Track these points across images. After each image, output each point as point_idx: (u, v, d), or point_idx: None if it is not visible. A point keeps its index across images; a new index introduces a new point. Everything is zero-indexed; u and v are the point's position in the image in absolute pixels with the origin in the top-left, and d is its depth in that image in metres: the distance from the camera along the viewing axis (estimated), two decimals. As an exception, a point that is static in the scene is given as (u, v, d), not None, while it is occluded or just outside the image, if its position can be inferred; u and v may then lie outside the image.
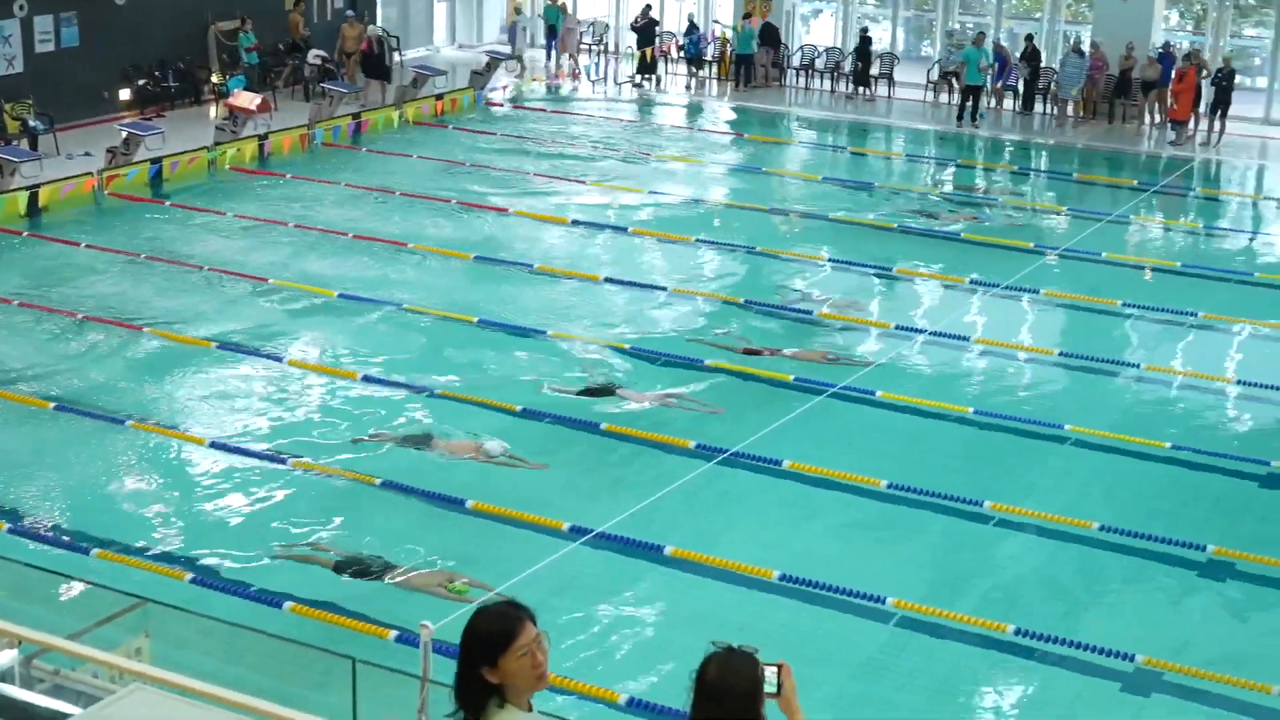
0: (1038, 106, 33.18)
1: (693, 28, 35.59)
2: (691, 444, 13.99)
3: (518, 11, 37.46)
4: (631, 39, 35.75)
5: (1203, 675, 10.29)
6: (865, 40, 34.06)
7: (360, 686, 8.32)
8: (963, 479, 13.44)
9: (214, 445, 13.88)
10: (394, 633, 10.47)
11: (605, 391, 15.39)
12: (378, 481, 13.07)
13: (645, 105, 33.13)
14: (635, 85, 34.76)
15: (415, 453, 13.81)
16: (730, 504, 13.12)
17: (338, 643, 9.57)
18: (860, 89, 33.97)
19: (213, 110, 28.41)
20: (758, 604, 11.31)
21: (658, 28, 35.38)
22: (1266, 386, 16.05)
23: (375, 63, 31.86)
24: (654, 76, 35.02)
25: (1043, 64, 32.89)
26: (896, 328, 17.66)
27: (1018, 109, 32.94)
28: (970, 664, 10.67)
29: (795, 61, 35.49)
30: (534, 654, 5.20)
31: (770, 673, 5.31)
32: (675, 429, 14.41)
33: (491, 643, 5.14)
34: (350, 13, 32.93)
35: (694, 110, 33.11)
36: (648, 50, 34.83)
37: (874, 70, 34.03)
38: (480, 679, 5.14)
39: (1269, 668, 10.47)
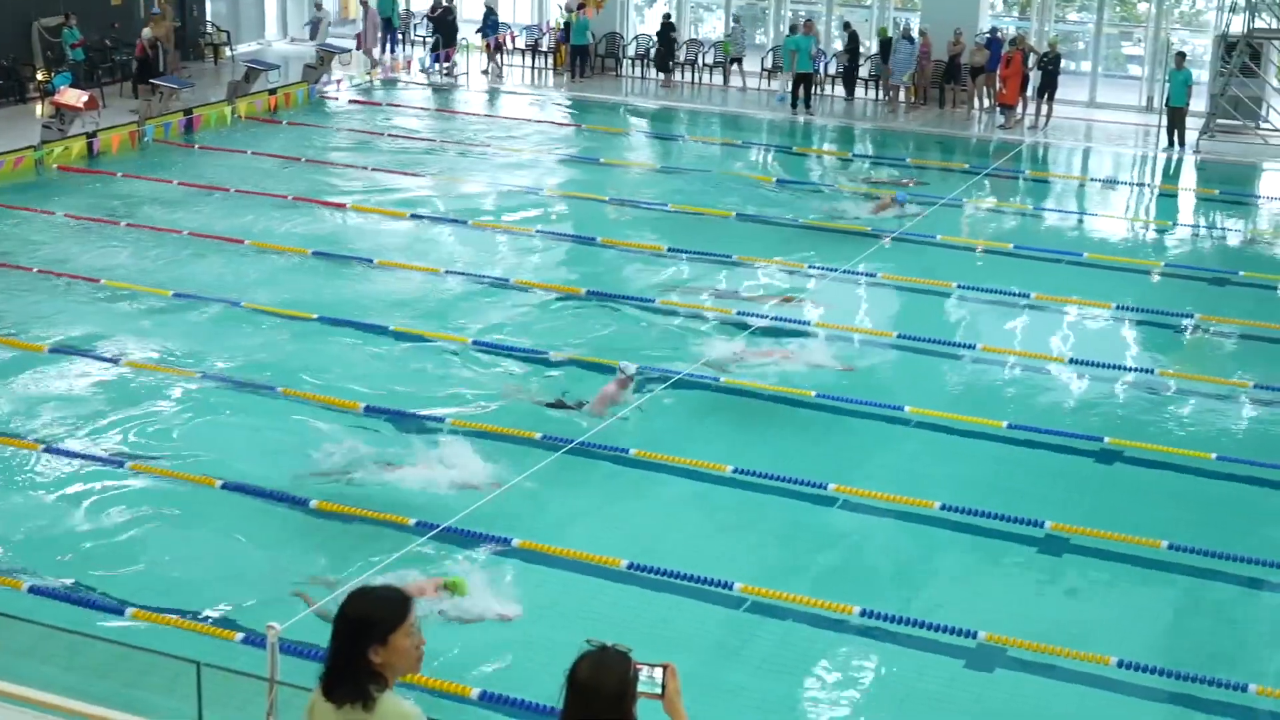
0: (870, 93, 33.66)
1: (490, 13, 35.64)
2: (538, 435, 13.94)
3: (318, 7, 36.92)
4: (468, 32, 35.65)
5: (1044, 649, 10.48)
6: (667, 27, 34.38)
7: (206, 690, 8.18)
8: (807, 462, 13.56)
9: (49, 450, 13.53)
10: (240, 635, 10.31)
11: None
12: (218, 483, 12.85)
13: (485, 96, 33.03)
14: (484, 74, 34.69)
15: (264, 454, 13.59)
16: (578, 494, 13.08)
17: (182, 647, 9.37)
18: (665, 75, 34.29)
19: (39, 108, 27.70)
20: (608, 593, 11.31)
21: (496, 19, 35.32)
22: (1097, 365, 16.41)
23: (148, 68, 29.82)
24: (495, 67, 34.96)
25: (862, 51, 33.32)
26: (738, 313, 17.78)
27: (846, 96, 33.40)
28: (818, 645, 10.74)
29: (630, 51, 35.62)
30: (418, 633, 5.21)
31: (656, 673, 5.26)
32: (524, 422, 14.36)
33: (386, 621, 5.14)
34: (156, 10, 31.87)
35: (530, 101, 32.98)
36: (486, 43, 34.81)
37: (682, 57, 34.48)
38: (367, 661, 5.12)
39: (1108, 640, 10.70)
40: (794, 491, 12.99)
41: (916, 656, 10.57)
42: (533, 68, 35.74)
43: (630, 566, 11.49)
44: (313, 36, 36.45)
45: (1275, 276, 20.40)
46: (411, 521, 12.06)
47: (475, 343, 16.59)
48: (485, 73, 34.88)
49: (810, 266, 19.91)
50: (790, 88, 32.04)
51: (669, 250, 20.65)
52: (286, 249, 20.08)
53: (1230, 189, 26.46)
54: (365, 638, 5.14)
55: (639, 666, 5.23)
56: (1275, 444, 14.55)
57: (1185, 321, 18.10)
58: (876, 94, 33.69)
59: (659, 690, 5.27)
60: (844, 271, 19.56)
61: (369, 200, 22.89)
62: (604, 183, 24.87)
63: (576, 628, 10.08)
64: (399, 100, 32.07)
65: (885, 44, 33.00)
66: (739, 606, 11.13)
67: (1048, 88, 31.51)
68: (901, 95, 33.24)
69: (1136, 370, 16.39)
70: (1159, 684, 10.23)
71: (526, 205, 23.19)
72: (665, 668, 5.28)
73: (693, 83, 34.74)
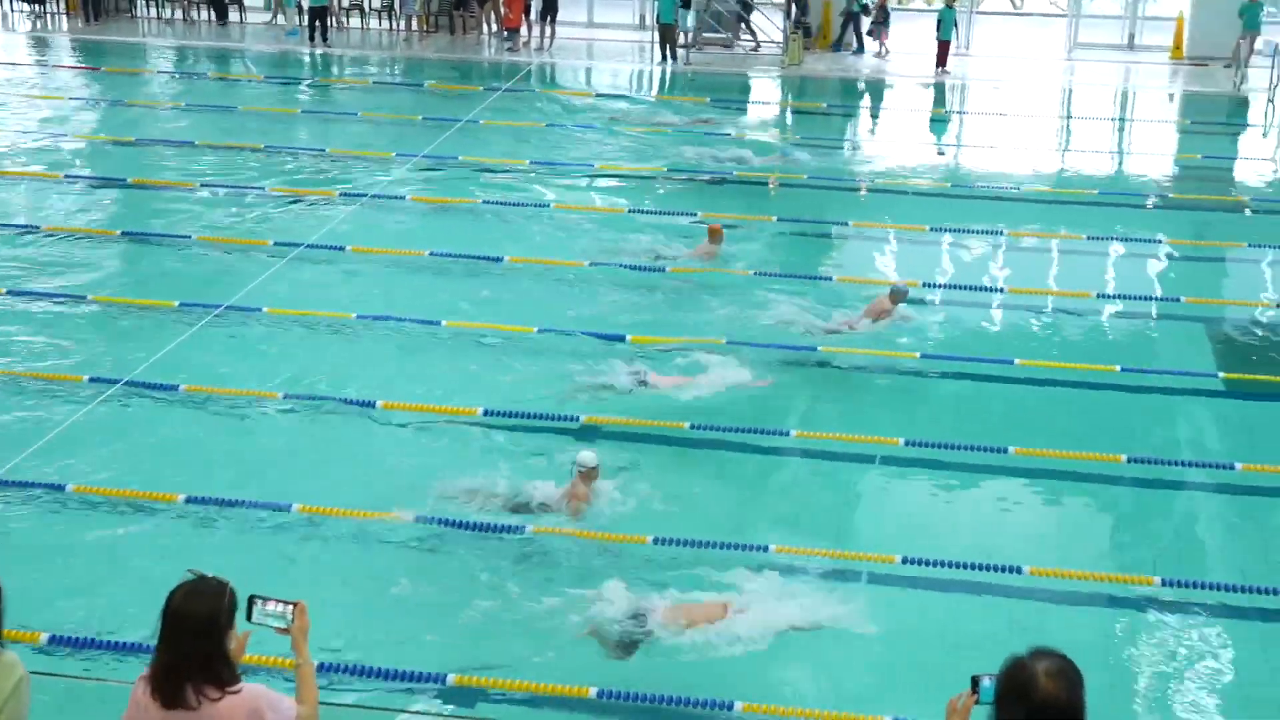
0: (385, 24, 33.26)
1: None
2: (85, 378, 13.15)
3: None
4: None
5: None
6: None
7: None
8: (357, 383, 13.32)
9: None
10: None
11: None
12: None
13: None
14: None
15: None
16: (128, 432, 12.42)
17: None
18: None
19: None
20: (176, 530, 10.80)
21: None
22: (608, 265, 16.66)
23: None
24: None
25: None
26: (275, 244, 17.22)
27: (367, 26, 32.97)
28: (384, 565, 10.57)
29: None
30: None
31: (287, 609, 5.33)
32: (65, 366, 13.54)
33: (235, 601, 5.15)
34: None
35: (41, 45, 31.01)
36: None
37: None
38: (224, 646, 5.09)
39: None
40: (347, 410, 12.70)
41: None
42: (45, 14, 33.62)
43: (188, 500, 10.98)
44: None
45: (764, 175, 21.33)
46: (-40, 479, 11.21)
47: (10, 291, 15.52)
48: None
49: (341, 194, 19.51)
50: (307, 21, 31.30)
51: (204, 185, 19.88)
52: None
53: (719, 96, 27.46)
54: (226, 623, 5.12)
55: (269, 601, 5.30)
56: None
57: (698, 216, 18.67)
58: (391, 24, 33.27)
59: (286, 625, 5.35)
60: (372, 196, 19.29)
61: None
62: (129, 124, 23.70)
63: (150, 567, 9.67)
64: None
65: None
66: (321, 536, 10.82)
67: (549, 10, 31.88)
68: (415, 24, 32.97)
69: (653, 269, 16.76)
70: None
71: (47, 150, 21.85)
72: (296, 605, 5.35)
73: (185, 20, 33.46)
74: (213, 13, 33.52)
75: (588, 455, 10.91)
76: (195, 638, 5.04)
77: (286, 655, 5.64)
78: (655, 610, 9.29)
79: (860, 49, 32.83)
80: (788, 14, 32.36)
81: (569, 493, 10.89)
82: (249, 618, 5.33)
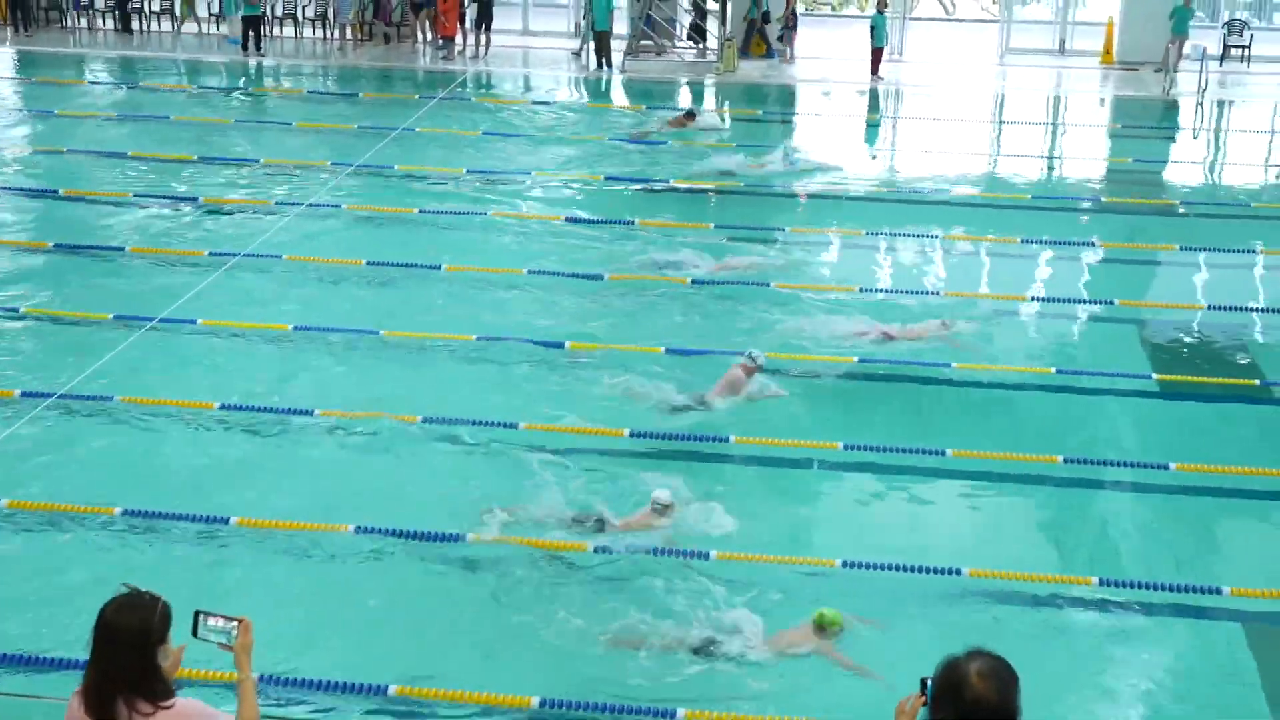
0: (319, 33, 33.12)
1: None
2: (16, 393, 12.90)
3: None
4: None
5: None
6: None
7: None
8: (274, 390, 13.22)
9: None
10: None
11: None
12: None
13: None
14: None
15: None
16: (63, 446, 12.27)
17: None
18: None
19: None
20: (112, 544, 10.66)
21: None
22: (548, 274, 16.64)
23: None
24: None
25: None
26: (210, 254, 17.04)
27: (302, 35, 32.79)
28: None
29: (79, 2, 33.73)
30: None
31: (229, 625, 5.30)
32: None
33: (168, 616, 5.07)
34: None
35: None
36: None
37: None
38: (156, 660, 5.02)
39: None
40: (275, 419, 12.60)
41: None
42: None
43: (124, 514, 10.87)
44: None
45: (710, 184, 21.35)
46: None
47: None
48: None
49: (276, 203, 19.38)
50: (241, 31, 31.12)
51: (136, 195, 19.68)
52: None
53: (654, 103, 27.50)
54: (159, 637, 5.06)
55: (214, 617, 5.28)
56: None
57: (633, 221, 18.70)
58: (326, 33, 33.12)
59: (230, 641, 5.31)
60: (308, 205, 19.17)
61: None
62: (58, 134, 23.45)
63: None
64: None
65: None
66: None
67: (484, 19, 31.85)
68: (349, 34, 32.83)
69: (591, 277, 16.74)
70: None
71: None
72: (240, 621, 5.31)
73: (144, 30, 33.20)
74: (117, 22, 33.22)
75: (664, 494, 10.67)
76: (127, 652, 4.98)
77: (229, 669, 5.56)
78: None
79: (771, 54, 32.95)
80: (723, 21, 32.46)
81: (638, 522, 10.68)
82: (194, 633, 5.29)
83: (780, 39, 33.07)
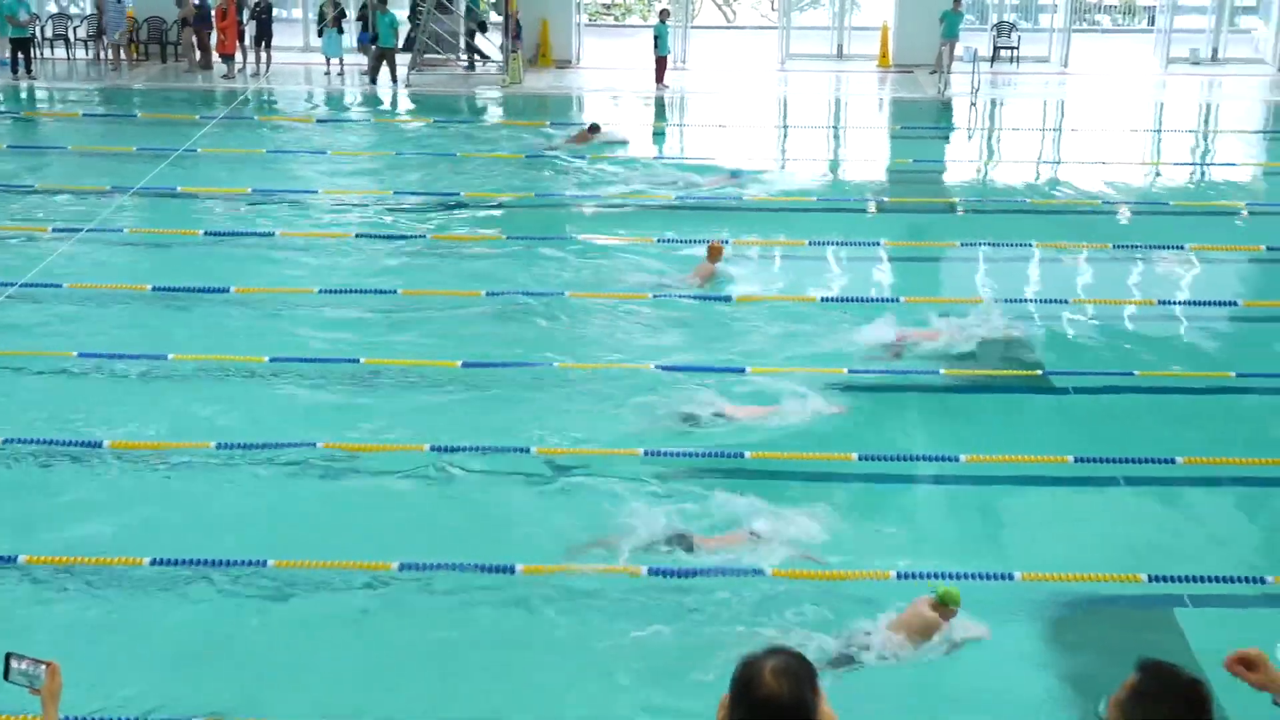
0: (91, 54, 32.26)
1: None
2: None
3: None
4: None
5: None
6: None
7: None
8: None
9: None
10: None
11: None
12: None
13: None
14: None
15: None
16: None
17: None
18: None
19: None
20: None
21: None
22: (340, 291, 16.46)
23: None
24: None
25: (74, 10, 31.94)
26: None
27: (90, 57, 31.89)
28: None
29: None
30: None
31: (38, 669, 5.15)
32: None
33: None
34: None
35: None
36: None
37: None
38: None
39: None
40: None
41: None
42: None
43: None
44: None
45: (495, 194, 21.27)
46: None
47: None
48: None
49: (53, 230, 18.78)
50: (10, 54, 30.15)
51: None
52: None
53: (441, 117, 27.40)
54: None
55: (24, 660, 5.15)
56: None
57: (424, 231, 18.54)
58: (98, 54, 32.25)
59: (38, 686, 5.17)
60: (88, 230, 18.61)
61: None
62: None
63: None
64: None
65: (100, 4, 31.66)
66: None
67: (264, 35, 31.38)
68: (122, 54, 32.00)
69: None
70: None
71: None
72: (49, 665, 5.17)
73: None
74: None
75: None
76: None
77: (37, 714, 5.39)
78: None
79: (472, 65, 32.95)
80: (507, 33, 32.41)
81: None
82: (5, 676, 5.13)
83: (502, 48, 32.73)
